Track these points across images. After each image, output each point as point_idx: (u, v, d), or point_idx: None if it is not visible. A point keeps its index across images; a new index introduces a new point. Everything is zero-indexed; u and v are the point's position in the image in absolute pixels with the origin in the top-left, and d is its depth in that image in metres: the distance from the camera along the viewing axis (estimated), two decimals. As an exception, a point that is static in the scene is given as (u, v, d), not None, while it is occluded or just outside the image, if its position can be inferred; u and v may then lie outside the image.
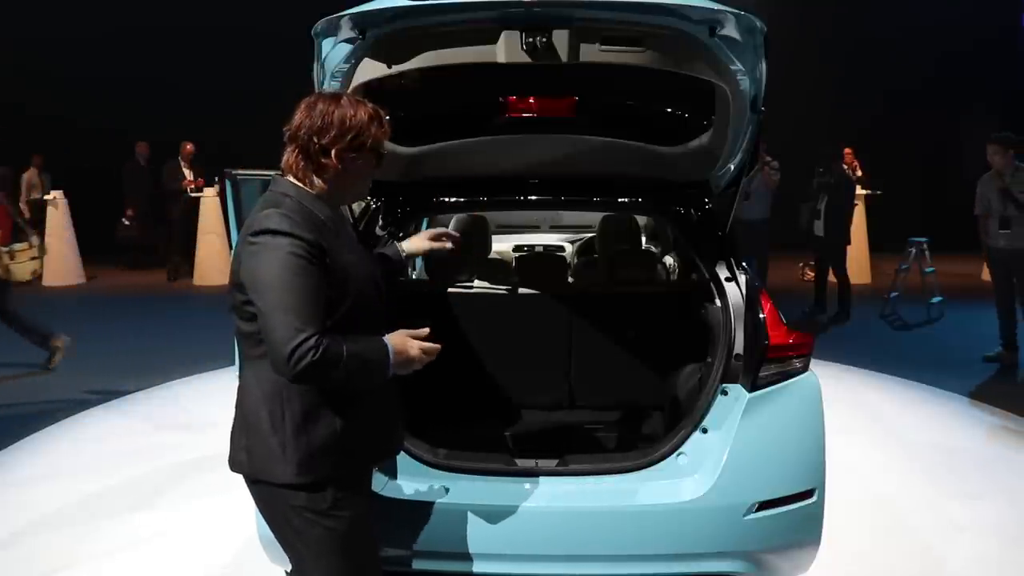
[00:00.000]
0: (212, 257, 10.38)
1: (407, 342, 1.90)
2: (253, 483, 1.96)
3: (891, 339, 7.60)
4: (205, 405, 5.29)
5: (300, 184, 1.91)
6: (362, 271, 1.94)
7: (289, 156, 1.92)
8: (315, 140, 1.86)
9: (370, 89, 2.47)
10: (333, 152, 1.87)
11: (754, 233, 8.32)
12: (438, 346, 1.95)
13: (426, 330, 1.97)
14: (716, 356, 2.65)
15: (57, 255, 10.45)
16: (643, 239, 4.82)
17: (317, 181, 1.91)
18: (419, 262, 4.73)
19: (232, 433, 1.99)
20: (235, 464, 1.98)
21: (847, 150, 10.30)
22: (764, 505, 2.44)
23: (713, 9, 2.15)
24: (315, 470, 1.89)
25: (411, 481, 2.50)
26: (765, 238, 8.63)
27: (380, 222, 3.05)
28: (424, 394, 2.77)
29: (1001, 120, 7.00)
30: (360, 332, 1.85)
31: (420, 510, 2.45)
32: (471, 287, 3.62)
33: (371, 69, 2.40)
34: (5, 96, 12.01)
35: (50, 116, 12.19)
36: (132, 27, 12.52)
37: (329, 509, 1.91)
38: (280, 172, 1.97)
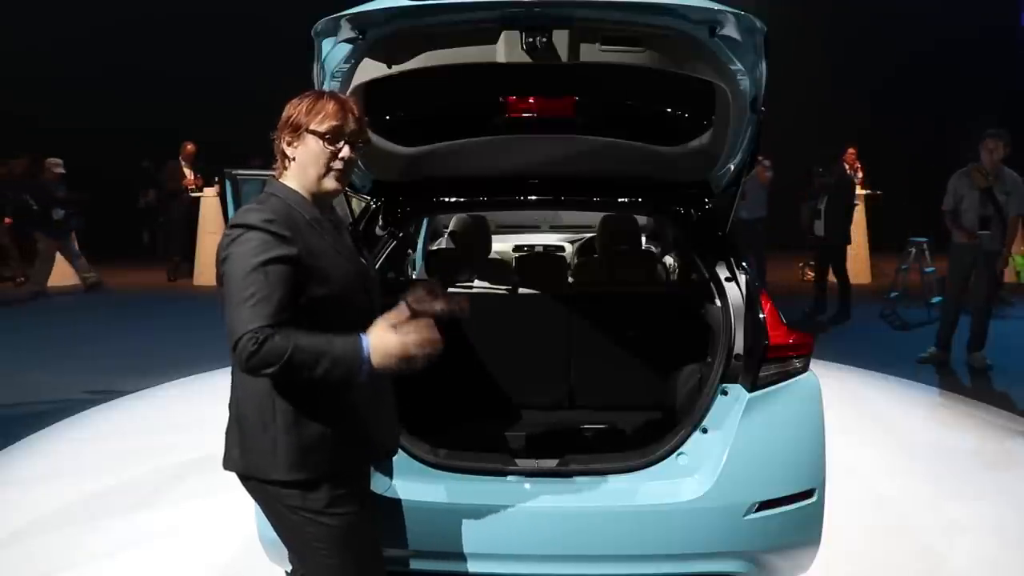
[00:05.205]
0: (212, 257, 10.29)
1: (387, 337, 1.80)
2: (247, 480, 1.97)
3: (891, 339, 7.60)
4: (205, 405, 5.27)
5: (290, 185, 1.94)
6: (346, 273, 1.93)
7: None
8: (274, 134, 1.95)
9: (370, 89, 2.47)
10: (282, 140, 1.93)
11: (749, 232, 8.34)
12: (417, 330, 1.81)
13: (402, 312, 1.84)
14: (716, 356, 2.64)
15: (57, 255, 10.45)
16: (643, 239, 4.82)
17: (287, 175, 1.95)
18: (419, 262, 4.73)
19: (226, 431, 2.00)
20: (228, 462, 1.98)
21: (851, 150, 10.25)
22: (764, 505, 2.44)
23: (713, 9, 2.15)
24: (306, 468, 1.88)
25: (411, 481, 2.50)
26: (760, 236, 8.63)
27: (380, 222, 3.05)
28: (424, 394, 2.77)
29: (1000, 120, 6.98)
30: (344, 332, 1.81)
31: (420, 510, 2.45)
32: (471, 287, 3.62)
33: (371, 69, 2.39)
34: (6, 96, 12.02)
35: (50, 116, 12.18)
36: (130, 26, 12.52)
37: (325, 508, 1.91)
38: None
